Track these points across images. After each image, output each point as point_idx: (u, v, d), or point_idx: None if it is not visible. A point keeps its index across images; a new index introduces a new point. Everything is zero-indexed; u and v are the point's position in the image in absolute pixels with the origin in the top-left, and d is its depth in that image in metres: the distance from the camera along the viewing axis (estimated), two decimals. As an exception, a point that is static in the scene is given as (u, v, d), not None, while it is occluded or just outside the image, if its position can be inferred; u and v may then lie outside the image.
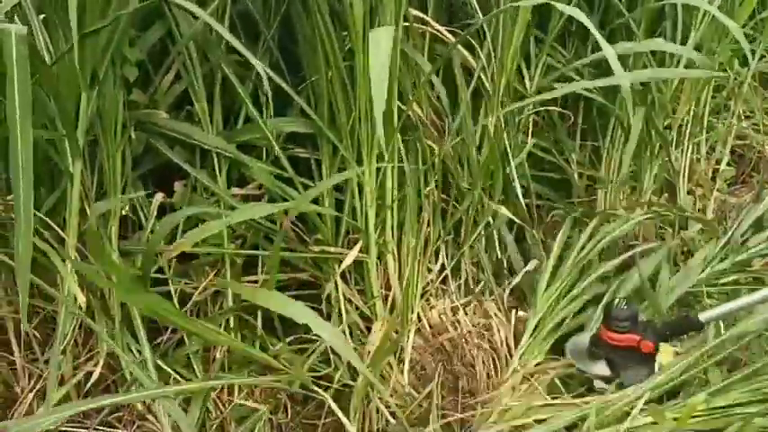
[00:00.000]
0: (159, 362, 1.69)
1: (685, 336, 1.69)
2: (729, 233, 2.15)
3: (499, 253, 2.08)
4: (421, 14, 1.90)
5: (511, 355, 1.78)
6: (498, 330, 1.77)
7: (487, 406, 1.60)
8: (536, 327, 1.82)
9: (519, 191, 2.02)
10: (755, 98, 2.87)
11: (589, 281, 1.90)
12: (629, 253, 2.02)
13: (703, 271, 2.04)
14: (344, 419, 1.60)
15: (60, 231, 1.63)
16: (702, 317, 1.58)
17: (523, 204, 2.11)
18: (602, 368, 1.61)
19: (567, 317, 1.85)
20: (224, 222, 1.62)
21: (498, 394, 1.62)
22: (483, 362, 1.70)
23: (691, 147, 2.58)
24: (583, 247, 1.98)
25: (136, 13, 1.54)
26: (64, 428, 1.61)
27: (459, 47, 1.96)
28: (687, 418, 1.38)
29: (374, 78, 1.32)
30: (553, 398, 1.62)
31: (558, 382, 1.70)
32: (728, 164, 2.74)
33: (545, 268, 1.92)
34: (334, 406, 1.61)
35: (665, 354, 1.59)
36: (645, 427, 1.44)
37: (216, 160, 1.82)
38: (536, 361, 1.72)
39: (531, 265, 1.97)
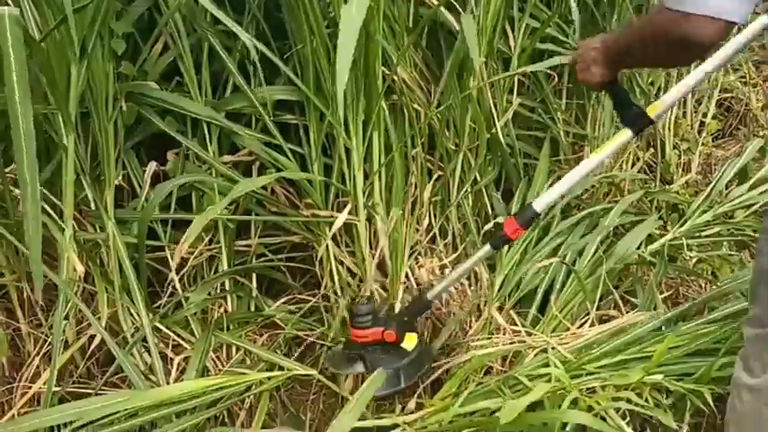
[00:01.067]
0: (158, 324, 1.76)
1: (422, 315, 1.80)
2: (712, 185, 2.19)
3: (489, 211, 2.14)
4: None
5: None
6: (481, 287, 1.83)
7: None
8: (501, 286, 1.89)
9: (505, 149, 2.06)
10: (743, 51, 2.88)
11: (549, 237, 1.96)
12: (586, 211, 2.08)
13: (684, 224, 2.09)
14: (332, 385, 1.71)
15: (58, 202, 1.68)
16: (429, 295, 1.69)
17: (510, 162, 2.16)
18: (359, 367, 1.69)
19: (528, 273, 1.91)
20: (223, 203, 1.66)
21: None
22: (461, 318, 1.77)
23: (676, 102, 2.62)
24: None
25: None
26: (70, 389, 1.69)
27: (444, 10, 1.99)
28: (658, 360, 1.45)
29: (340, 54, 1.37)
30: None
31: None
32: (715, 117, 2.77)
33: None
34: (322, 378, 1.72)
35: (410, 341, 1.69)
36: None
37: (206, 129, 1.86)
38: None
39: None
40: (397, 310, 1.81)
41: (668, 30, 1.13)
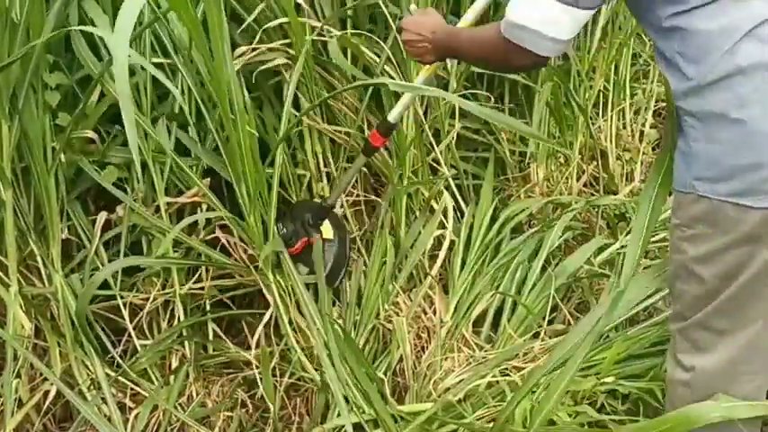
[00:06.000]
0: (115, 374, 1.74)
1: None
2: (654, 193, 2.24)
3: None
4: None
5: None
6: (435, 312, 1.85)
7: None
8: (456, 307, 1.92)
9: (447, 173, 2.10)
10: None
11: (498, 258, 2.00)
12: (533, 229, 2.12)
13: (629, 233, 2.13)
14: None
15: (3, 258, 1.67)
16: (330, 201, 1.97)
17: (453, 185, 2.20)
18: (302, 269, 1.93)
19: (483, 292, 1.93)
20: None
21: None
22: (416, 344, 1.79)
23: (615, 114, 2.69)
24: (489, 229, 2.09)
25: (46, 43, 1.56)
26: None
27: (365, 49, 2.03)
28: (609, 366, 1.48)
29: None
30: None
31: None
32: (653, 126, 2.84)
33: (456, 251, 2.01)
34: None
35: (326, 230, 1.96)
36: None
37: (153, 170, 1.84)
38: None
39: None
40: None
41: (502, 55, 1.32)
